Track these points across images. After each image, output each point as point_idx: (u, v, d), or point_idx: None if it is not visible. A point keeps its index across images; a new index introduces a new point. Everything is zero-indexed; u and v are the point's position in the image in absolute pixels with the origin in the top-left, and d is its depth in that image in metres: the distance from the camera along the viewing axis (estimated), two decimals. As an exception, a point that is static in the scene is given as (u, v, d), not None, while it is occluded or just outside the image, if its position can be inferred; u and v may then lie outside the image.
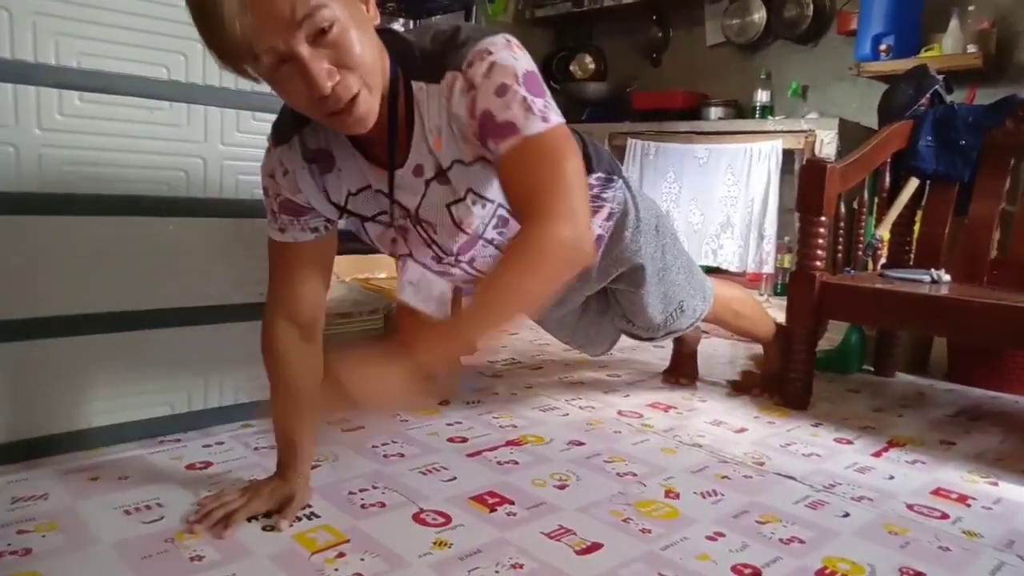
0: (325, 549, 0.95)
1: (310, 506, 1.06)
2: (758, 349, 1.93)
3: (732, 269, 3.19)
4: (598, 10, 4.03)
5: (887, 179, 2.02)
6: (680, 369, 1.90)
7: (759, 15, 3.56)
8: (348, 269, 2.43)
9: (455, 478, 1.20)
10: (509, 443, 1.38)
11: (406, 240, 1.10)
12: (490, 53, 0.88)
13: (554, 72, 4.36)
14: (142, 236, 1.24)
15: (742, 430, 1.53)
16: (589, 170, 1.24)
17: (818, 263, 1.66)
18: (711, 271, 3.13)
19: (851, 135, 2.88)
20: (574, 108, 3.97)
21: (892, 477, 1.31)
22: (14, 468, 1.14)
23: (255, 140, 1.33)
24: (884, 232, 2.02)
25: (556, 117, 0.89)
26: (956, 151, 1.95)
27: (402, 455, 1.28)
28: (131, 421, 1.27)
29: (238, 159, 1.33)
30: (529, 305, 0.87)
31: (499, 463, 1.28)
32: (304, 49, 0.78)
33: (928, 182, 2.02)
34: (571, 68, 4.29)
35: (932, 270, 1.78)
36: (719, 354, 2.24)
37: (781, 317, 1.75)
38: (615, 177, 1.29)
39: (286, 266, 1.06)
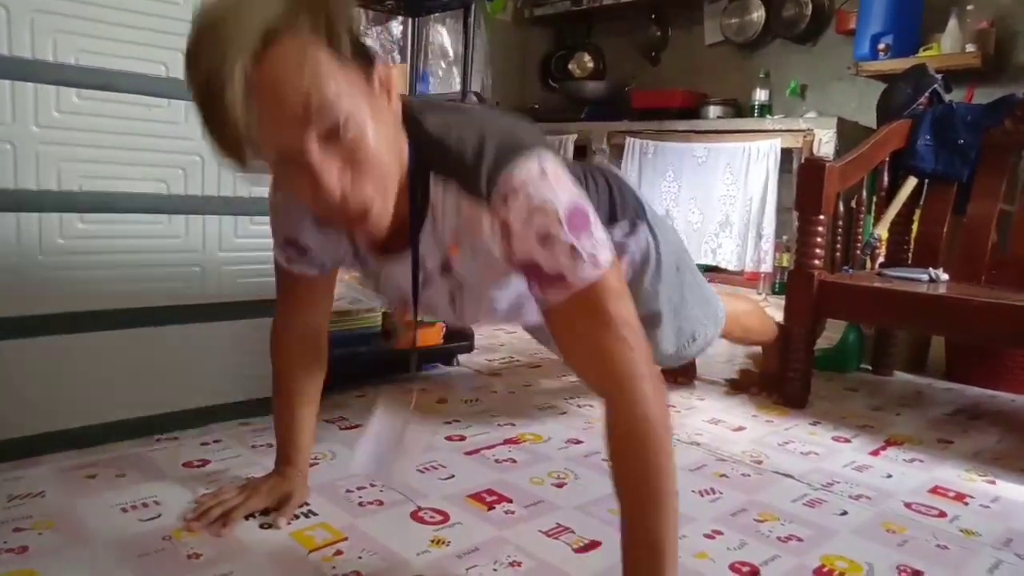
0: (323, 547, 0.95)
1: (308, 504, 1.06)
2: (756, 348, 1.93)
3: (730, 268, 3.20)
4: (597, 9, 4.03)
5: (885, 178, 2.02)
6: (678, 368, 1.90)
7: (758, 14, 3.56)
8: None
9: (453, 476, 1.20)
10: (507, 441, 1.38)
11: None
12: (526, 188, 0.76)
13: (553, 71, 4.36)
14: (140, 234, 1.24)
15: (740, 428, 1.53)
16: (614, 218, 1.23)
17: (816, 262, 1.66)
18: (710, 270, 3.14)
19: (849, 134, 2.88)
20: (573, 107, 3.97)
21: (890, 475, 1.31)
22: (11, 466, 1.13)
23: (253, 138, 1.32)
24: (882, 231, 2.02)
25: (605, 254, 0.78)
26: (955, 150, 1.95)
27: (400, 453, 1.29)
28: (128, 419, 1.27)
29: (236, 157, 1.33)
30: (674, 513, 0.77)
31: (497, 461, 1.28)
32: (314, 148, 0.69)
33: (926, 181, 2.02)
34: (570, 67, 4.29)
35: (930, 269, 1.78)
36: (717, 353, 2.23)
37: (779, 316, 1.75)
38: (639, 222, 1.27)
39: (293, 290, 1.05)
